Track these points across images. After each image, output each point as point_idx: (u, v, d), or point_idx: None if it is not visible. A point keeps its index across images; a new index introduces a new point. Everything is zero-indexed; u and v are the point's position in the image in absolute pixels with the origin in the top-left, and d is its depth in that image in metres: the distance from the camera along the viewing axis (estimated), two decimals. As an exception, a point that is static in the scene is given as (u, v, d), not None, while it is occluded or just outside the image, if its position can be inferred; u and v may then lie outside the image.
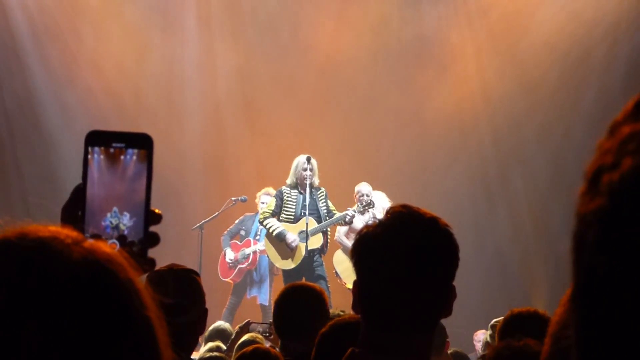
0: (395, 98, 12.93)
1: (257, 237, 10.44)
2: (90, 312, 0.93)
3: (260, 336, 5.64)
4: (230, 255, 10.50)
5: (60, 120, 12.27)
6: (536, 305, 7.14)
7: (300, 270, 9.44)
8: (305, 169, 9.42)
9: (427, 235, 1.89)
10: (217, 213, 10.78)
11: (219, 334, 6.59)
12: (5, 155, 12.10)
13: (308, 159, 9.46)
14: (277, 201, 9.51)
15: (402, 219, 1.90)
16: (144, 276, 1.19)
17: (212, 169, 12.91)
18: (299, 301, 3.53)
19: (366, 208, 9.37)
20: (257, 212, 10.55)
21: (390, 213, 1.94)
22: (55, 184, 11.54)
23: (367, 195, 9.70)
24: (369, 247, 1.91)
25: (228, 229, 10.68)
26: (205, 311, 3.04)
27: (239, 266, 10.45)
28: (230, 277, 10.51)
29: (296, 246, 9.36)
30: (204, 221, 10.73)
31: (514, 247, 12.51)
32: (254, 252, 10.40)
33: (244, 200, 10.64)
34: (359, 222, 9.53)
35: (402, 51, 12.92)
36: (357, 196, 9.85)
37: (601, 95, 11.99)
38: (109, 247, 1.01)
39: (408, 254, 1.86)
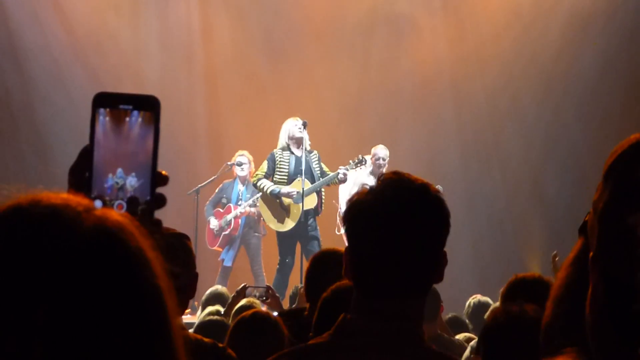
0: (387, 59, 12.91)
1: (239, 203, 10.45)
2: (101, 281, 0.94)
3: (257, 301, 5.67)
4: (214, 223, 10.55)
5: (75, 80, 12.26)
6: (531, 270, 7.18)
7: (294, 234, 9.48)
8: (296, 125, 9.46)
9: (418, 201, 1.91)
10: (213, 177, 10.80)
11: (217, 298, 6.62)
12: (3, 119, 12.11)
13: (304, 124, 9.47)
14: (269, 163, 9.54)
15: (393, 186, 1.92)
16: None
17: (208, 132, 12.92)
18: (329, 268, 3.53)
19: (358, 165, 9.42)
20: (235, 178, 10.57)
21: (381, 180, 1.95)
22: (54, 147, 11.58)
23: (384, 159, 9.79)
24: (359, 213, 1.93)
25: (210, 199, 10.71)
26: (196, 276, 3.05)
27: (223, 233, 10.50)
28: (217, 245, 10.58)
29: (296, 195, 9.37)
30: (200, 185, 10.75)
31: (508, 211, 12.55)
32: (235, 217, 10.43)
33: (248, 162, 10.64)
34: (366, 179, 9.61)
35: (394, 13, 12.90)
36: (373, 159, 9.91)
37: (600, 54, 11.97)
38: (120, 214, 1.02)
39: (399, 220, 1.89)
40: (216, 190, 10.72)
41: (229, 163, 10.71)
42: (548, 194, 12.38)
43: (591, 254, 1.06)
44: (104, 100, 1.28)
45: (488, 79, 12.63)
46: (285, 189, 9.44)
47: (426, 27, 12.87)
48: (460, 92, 12.78)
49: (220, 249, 10.59)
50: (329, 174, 9.50)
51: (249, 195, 10.40)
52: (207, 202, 10.70)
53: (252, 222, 10.46)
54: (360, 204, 1.93)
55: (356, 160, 9.49)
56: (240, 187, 10.53)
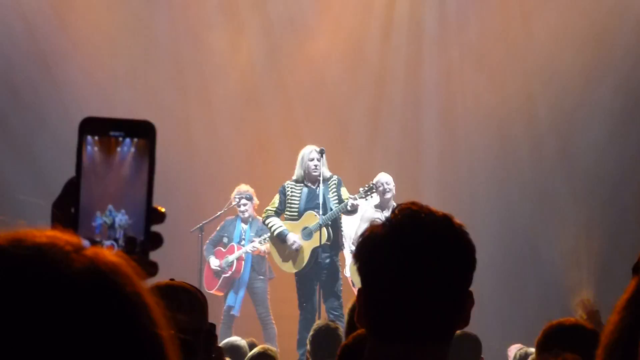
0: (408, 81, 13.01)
1: (242, 242, 10.42)
2: (93, 330, 0.91)
3: (273, 348, 5.63)
4: (214, 262, 10.51)
5: (56, 108, 12.38)
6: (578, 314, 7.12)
7: (311, 274, 9.43)
8: (312, 159, 9.43)
9: (440, 234, 1.88)
10: (219, 213, 10.75)
11: (233, 351, 6.36)
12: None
13: (322, 152, 9.43)
14: (280, 197, 9.55)
15: (411, 217, 1.88)
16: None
17: (213, 165, 12.95)
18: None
19: (368, 193, 9.35)
20: (237, 216, 10.57)
21: (398, 211, 1.91)
22: (47, 179, 11.63)
23: (387, 183, 9.70)
24: (374, 249, 1.89)
25: (210, 238, 10.70)
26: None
27: (223, 275, 10.45)
28: (215, 288, 10.50)
29: (298, 247, 9.37)
30: (204, 222, 10.72)
31: (556, 249, 12.45)
32: (238, 259, 10.39)
33: (248, 198, 10.62)
34: (374, 213, 9.54)
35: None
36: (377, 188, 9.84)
37: None
38: (115, 254, 0.98)
39: (418, 256, 1.86)
40: (217, 229, 10.71)
41: (236, 197, 10.70)
42: (595, 223, 12.30)
43: (624, 296, 1.03)
44: (92, 126, 1.26)
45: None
46: (289, 238, 9.42)
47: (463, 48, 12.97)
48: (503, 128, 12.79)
49: (220, 293, 10.52)
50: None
51: (252, 234, 10.35)
52: (207, 241, 10.69)
53: (256, 265, 10.43)
54: (375, 239, 1.89)
55: (366, 188, 9.43)
56: (243, 226, 10.49)
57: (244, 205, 10.39)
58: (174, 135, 12.04)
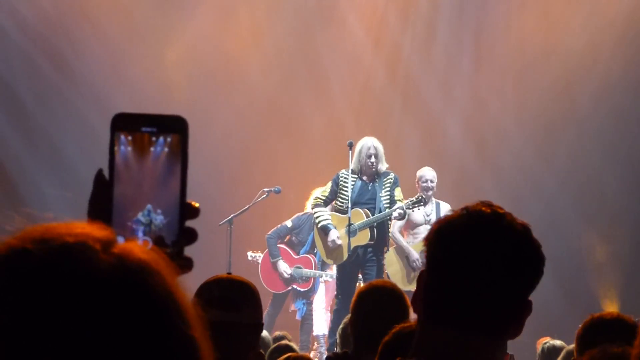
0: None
1: (316, 251, 10.14)
2: (120, 332, 0.87)
3: (294, 344, 5.65)
4: (284, 267, 10.34)
5: (80, 101, 12.46)
6: (606, 309, 7.05)
7: (354, 268, 9.38)
8: (370, 156, 9.29)
9: (521, 245, 1.93)
10: (247, 206, 10.67)
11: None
12: (17, 142, 12.30)
13: (349, 144, 9.39)
14: (332, 186, 9.48)
15: (493, 219, 1.93)
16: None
17: (241, 157, 12.96)
18: (377, 308, 3.42)
19: (416, 205, 9.23)
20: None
21: (476, 215, 1.94)
22: (73, 172, 11.68)
23: (431, 181, 9.63)
24: (451, 239, 1.92)
25: (276, 228, 10.54)
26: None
27: (295, 287, 10.33)
28: (282, 291, 10.43)
29: (337, 245, 9.31)
30: (233, 215, 10.63)
31: (577, 245, 12.39)
32: (315, 279, 10.28)
33: (277, 192, 10.53)
34: (418, 217, 9.49)
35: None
36: (420, 182, 9.75)
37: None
38: (144, 249, 0.95)
39: (496, 258, 1.90)
40: (288, 223, 10.53)
41: (265, 189, 10.62)
42: (620, 226, 12.23)
43: None
44: (124, 122, 1.25)
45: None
46: (332, 234, 9.35)
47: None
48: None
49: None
50: (398, 202, 9.30)
51: None
52: (271, 232, 10.52)
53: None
54: (454, 226, 1.93)
55: (414, 200, 9.33)
56: None
57: None
58: (200, 127, 12.07)
